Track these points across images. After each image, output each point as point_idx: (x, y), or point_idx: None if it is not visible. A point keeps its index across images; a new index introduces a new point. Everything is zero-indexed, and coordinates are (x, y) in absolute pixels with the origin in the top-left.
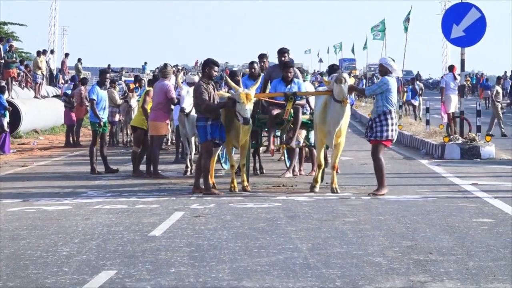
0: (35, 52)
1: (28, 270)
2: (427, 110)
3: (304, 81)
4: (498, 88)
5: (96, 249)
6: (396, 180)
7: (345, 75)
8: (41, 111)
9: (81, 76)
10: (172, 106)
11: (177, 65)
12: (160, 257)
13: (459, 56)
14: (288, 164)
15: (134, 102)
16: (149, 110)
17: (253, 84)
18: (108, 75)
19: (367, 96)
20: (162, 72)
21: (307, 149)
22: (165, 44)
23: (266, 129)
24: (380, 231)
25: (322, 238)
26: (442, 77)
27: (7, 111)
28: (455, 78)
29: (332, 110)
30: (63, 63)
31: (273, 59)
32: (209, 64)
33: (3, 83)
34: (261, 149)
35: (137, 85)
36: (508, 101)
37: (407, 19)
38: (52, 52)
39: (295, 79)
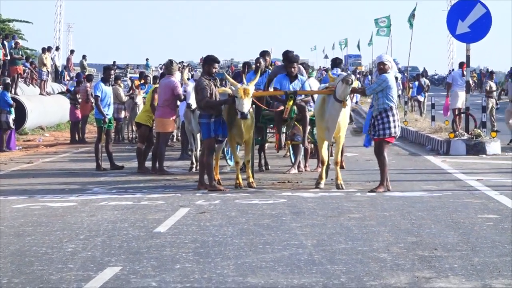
0: (40, 49)
1: (33, 266)
2: (433, 106)
3: (309, 77)
4: (491, 83)
5: (101, 245)
6: (402, 176)
7: (353, 76)
8: (47, 108)
9: (86, 73)
10: (178, 103)
11: (182, 62)
12: (165, 254)
13: (465, 52)
14: (293, 160)
15: (139, 98)
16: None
17: (252, 80)
18: (112, 71)
19: (368, 95)
20: (167, 69)
21: (312, 145)
22: (170, 40)
23: (271, 125)
24: (385, 227)
25: (327, 234)
26: (449, 73)
27: (12, 108)
28: (463, 75)
29: (331, 107)
30: (68, 60)
31: (277, 54)
32: (208, 61)
33: (8, 80)
34: (267, 145)
35: (142, 81)
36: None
37: (412, 15)
38: (57, 49)
39: (299, 76)
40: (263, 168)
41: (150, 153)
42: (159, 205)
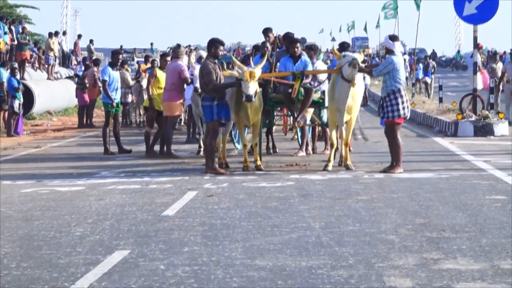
0: (47, 34)
1: (41, 250)
2: (440, 87)
3: (316, 60)
4: (493, 65)
5: (109, 229)
6: (409, 157)
7: (359, 60)
8: (54, 92)
9: (93, 57)
10: (185, 86)
11: (189, 45)
12: (173, 237)
13: (472, 33)
14: (301, 143)
15: (146, 82)
16: (156, 91)
17: (259, 63)
18: (120, 56)
19: (375, 76)
20: (174, 53)
21: (319, 127)
22: (177, 23)
23: (279, 108)
24: (393, 209)
25: (335, 217)
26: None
27: (19, 93)
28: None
29: (340, 87)
30: (75, 44)
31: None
32: (214, 43)
33: (16, 65)
34: (274, 128)
35: (148, 65)
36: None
37: None
38: (64, 33)
39: (302, 56)
40: (271, 151)
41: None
42: (167, 188)
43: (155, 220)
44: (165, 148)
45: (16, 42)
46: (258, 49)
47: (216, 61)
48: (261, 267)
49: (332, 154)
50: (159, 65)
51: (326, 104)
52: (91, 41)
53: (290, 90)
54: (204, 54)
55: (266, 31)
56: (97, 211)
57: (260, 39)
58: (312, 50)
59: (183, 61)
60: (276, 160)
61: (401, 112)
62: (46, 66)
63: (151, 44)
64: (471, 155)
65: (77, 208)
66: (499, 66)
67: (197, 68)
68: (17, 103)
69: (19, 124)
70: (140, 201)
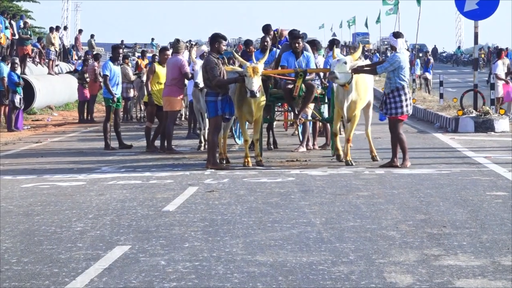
0: (48, 28)
1: (42, 245)
2: (441, 83)
3: (318, 55)
4: (499, 62)
5: (110, 224)
6: (410, 153)
7: (349, 62)
8: (55, 87)
9: (94, 52)
10: (186, 81)
11: (190, 40)
12: (174, 232)
13: (473, 29)
14: (301, 139)
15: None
16: (156, 86)
17: (261, 58)
18: (121, 50)
19: (379, 73)
20: (174, 48)
21: (320, 123)
22: (178, 19)
23: (279, 104)
24: (394, 205)
25: (335, 212)
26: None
27: (20, 88)
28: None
29: (338, 89)
30: (76, 39)
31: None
32: (217, 38)
33: (17, 60)
34: (275, 124)
35: (146, 61)
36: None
37: None
38: (65, 28)
39: (305, 52)
40: (272, 146)
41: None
42: (167, 184)
43: (156, 215)
44: (165, 144)
45: (17, 37)
46: (248, 45)
47: (219, 56)
48: (261, 263)
49: (338, 143)
50: (158, 60)
51: (326, 99)
52: (92, 36)
53: (291, 86)
54: (206, 49)
55: (267, 28)
56: (97, 206)
57: (260, 34)
58: (313, 45)
59: (184, 56)
60: (277, 155)
61: (404, 109)
62: (47, 61)
63: (152, 39)
64: (471, 151)
65: (77, 203)
66: (505, 62)
67: (198, 63)
68: (17, 98)
69: (19, 119)
70: (141, 197)
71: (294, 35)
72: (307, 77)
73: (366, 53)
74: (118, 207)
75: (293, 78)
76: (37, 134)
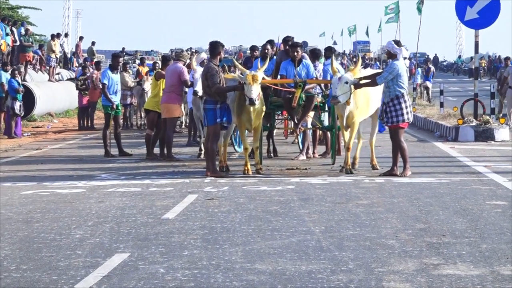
0: (49, 35)
1: (41, 253)
2: (441, 92)
3: (318, 63)
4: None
5: (109, 232)
6: (410, 162)
7: (350, 78)
8: (56, 94)
9: (95, 60)
10: (186, 89)
11: (190, 48)
12: (173, 240)
13: (473, 38)
14: (301, 147)
15: (147, 85)
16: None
17: (261, 66)
18: (120, 59)
19: (379, 84)
20: (176, 55)
21: (320, 131)
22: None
23: (279, 112)
24: (393, 213)
25: (335, 221)
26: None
27: (20, 94)
28: None
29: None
30: (77, 46)
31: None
32: (217, 46)
33: (22, 68)
34: (275, 132)
35: (146, 68)
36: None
37: (421, 1)
38: (66, 35)
39: (304, 60)
40: (272, 154)
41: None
42: (167, 191)
43: (155, 223)
44: (165, 151)
45: (18, 44)
46: (254, 50)
47: (218, 63)
48: (261, 271)
49: (349, 157)
50: (160, 67)
51: (326, 108)
52: (93, 43)
53: (290, 96)
54: (206, 56)
55: (271, 42)
56: (97, 214)
57: (261, 42)
58: (315, 54)
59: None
60: (277, 163)
61: (405, 116)
62: (48, 67)
63: (151, 50)
64: (471, 160)
65: (77, 211)
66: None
67: (198, 71)
68: (17, 105)
69: (18, 126)
70: (140, 204)
71: (293, 43)
72: (307, 87)
73: (367, 61)
74: (117, 214)
75: (292, 90)
76: (37, 141)
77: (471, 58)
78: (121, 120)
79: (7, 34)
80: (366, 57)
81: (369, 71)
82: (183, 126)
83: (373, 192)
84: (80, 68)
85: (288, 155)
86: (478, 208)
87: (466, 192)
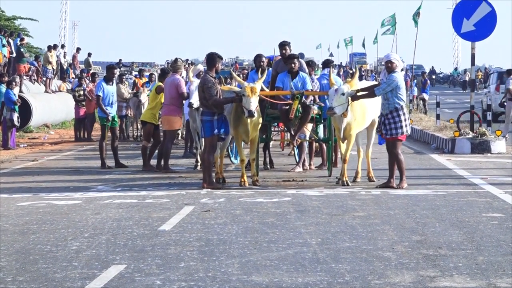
0: (46, 47)
1: (37, 264)
2: (438, 104)
3: (314, 75)
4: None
5: (105, 243)
6: (406, 174)
7: (342, 94)
8: (52, 105)
9: (91, 71)
10: (184, 101)
11: (187, 60)
12: (169, 252)
13: (470, 50)
14: (298, 159)
15: (143, 96)
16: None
17: (259, 78)
18: (116, 70)
19: (378, 95)
20: (173, 67)
21: (316, 143)
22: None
23: (276, 124)
24: (390, 225)
25: (331, 233)
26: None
27: (16, 106)
28: None
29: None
30: (74, 57)
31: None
32: (215, 58)
33: (17, 79)
34: (271, 143)
35: (144, 79)
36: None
37: (417, 14)
38: (63, 46)
39: (301, 72)
40: (268, 166)
41: (156, 151)
42: (163, 203)
43: (152, 234)
44: (162, 162)
45: (14, 55)
46: (260, 58)
47: (215, 75)
48: (257, 283)
49: (345, 170)
50: (156, 79)
51: (322, 120)
52: (89, 54)
53: (287, 107)
54: (202, 68)
55: (257, 58)
56: (93, 225)
57: (256, 53)
58: (310, 66)
59: (182, 75)
60: (273, 175)
61: (404, 129)
62: (44, 79)
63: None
64: (468, 172)
65: (73, 222)
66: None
67: (194, 83)
68: (15, 116)
69: (12, 137)
70: (137, 216)
71: (289, 56)
72: (305, 100)
73: (363, 73)
74: (114, 226)
75: (288, 102)
76: (33, 152)
77: (465, 70)
78: (118, 132)
79: (3, 45)
80: (363, 69)
81: (365, 83)
82: (179, 138)
83: (370, 204)
84: (77, 79)
85: (284, 166)
86: (475, 220)
87: (462, 204)
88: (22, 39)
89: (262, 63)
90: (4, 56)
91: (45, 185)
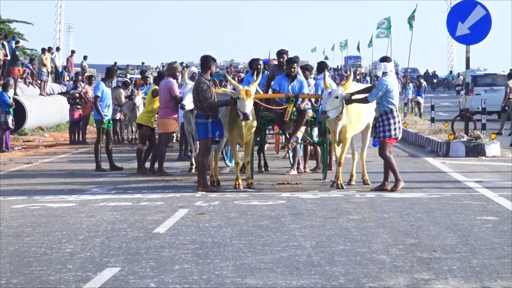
0: (40, 49)
1: (32, 267)
2: (432, 107)
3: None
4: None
5: (100, 246)
6: (401, 177)
7: (340, 93)
8: (46, 108)
9: (86, 74)
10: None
11: (182, 63)
12: (164, 254)
13: (465, 54)
14: (292, 162)
15: (138, 99)
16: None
17: (254, 81)
18: (117, 72)
19: (371, 102)
20: (167, 70)
21: (311, 146)
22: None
23: (270, 127)
24: (384, 228)
25: (326, 236)
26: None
27: (11, 108)
28: None
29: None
30: (68, 60)
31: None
32: (209, 61)
33: (12, 82)
34: (266, 146)
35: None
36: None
37: (412, 17)
38: (57, 49)
39: (298, 76)
40: (263, 169)
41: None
42: (158, 206)
43: (146, 237)
44: (155, 165)
45: (9, 58)
46: (257, 61)
47: (209, 78)
48: (251, 286)
49: (340, 172)
50: (152, 81)
51: (317, 123)
52: (84, 57)
53: (282, 110)
54: (196, 70)
55: (252, 62)
56: (88, 228)
57: (252, 56)
58: (306, 70)
59: (177, 78)
60: (268, 178)
61: (392, 132)
62: (39, 81)
63: (142, 63)
64: (462, 175)
65: (68, 225)
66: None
67: (188, 85)
68: (10, 119)
69: (7, 139)
70: (131, 218)
71: (290, 59)
72: (301, 104)
73: (358, 76)
74: (108, 228)
75: (283, 107)
76: (28, 155)
77: (458, 74)
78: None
79: None
80: (358, 72)
81: (360, 86)
82: (174, 141)
83: (364, 207)
84: (72, 82)
85: (279, 169)
86: (469, 223)
87: (457, 207)
88: (17, 42)
89: (259, 66)
90: None
91: (39, 188)
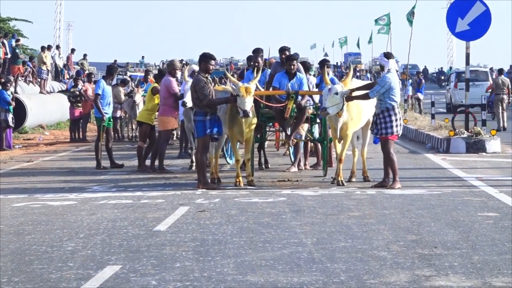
0: (40, 47)
1: (33, 265)
2: (432, 104)
3: (309, 75)
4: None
5: (101, 244)
6: (401, 174)
7: (340, 90)
8: (47, 106)
9: (86, 72)
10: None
11: (182, 60)
12: (165, 252)
13: (464, 50)
14: (293, 159)
15: (138, 97)
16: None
17: (254, 78)
18: (118, 70)
19: (372, 98)
20: (168, 67)
21: (311, 143)
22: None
23: (271, 124)
24: (385, 225)
25: (327, 233)
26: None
27: (11, 106)
28: None
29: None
30: (68, 58)
31: (275, 53)
32: (205, 58)
33: (12, 79)
34: (267, 143)
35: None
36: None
37: (412, 13)
38: (57, 47)
39: (298, 73)
40: (263, 166)
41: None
42: (159, 203)
43: (147, 235)
44: (156, 163)
45: (9, 56)
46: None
47: (208, 75)
48: (252, 283)
49: (340, 169)
50: (152, 78)
51: (318, 120)
52: (84, 55)
53: (282, 107)
54: (196, 68)
55: (258, 51)
56: (88, 226)
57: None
58: (305, 66)
59: (176, 75)
60: (268, 175)
61: (394, 129)
62: (39, 80)
63: (142, 57)
64: (463, 171)
65: (68, 223)
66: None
67: (189, 82)
68: (10, 117)
69: (8, 137)
70: (132, 216)
71: (289, 57)
72: (301, 101)
73: (358, 73)
74: (109, 226)
75: (283, 104)
76: (28, 153)
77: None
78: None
79: None
80: (357, 69)
81: (360, 82)
82: (174, 138)
83: (365, 204)
84: (71, 80)
85: (279, 167)
86: (470, 219)
87: (457, 203)
88: (17, 40)
89: (258, 64)
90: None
91: (40, 186)
